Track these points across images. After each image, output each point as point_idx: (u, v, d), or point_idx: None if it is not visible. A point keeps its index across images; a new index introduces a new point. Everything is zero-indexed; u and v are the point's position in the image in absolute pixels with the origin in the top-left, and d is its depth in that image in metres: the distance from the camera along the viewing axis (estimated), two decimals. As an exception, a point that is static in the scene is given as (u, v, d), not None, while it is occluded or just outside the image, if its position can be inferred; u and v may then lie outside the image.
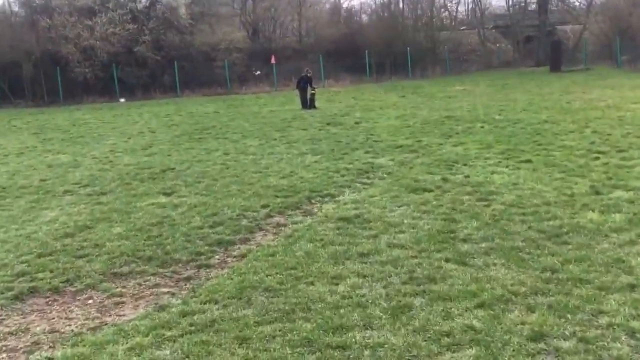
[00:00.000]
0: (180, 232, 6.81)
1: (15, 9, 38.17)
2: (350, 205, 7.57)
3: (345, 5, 50.72)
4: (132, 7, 36.11)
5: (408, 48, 38.70)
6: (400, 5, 45.90)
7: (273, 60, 35.51)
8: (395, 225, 6.55)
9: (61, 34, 34.51)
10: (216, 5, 42.90)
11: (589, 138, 11.89)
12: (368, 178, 9.40)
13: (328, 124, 17.23)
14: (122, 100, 33.71)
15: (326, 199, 8.13)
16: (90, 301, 5.16)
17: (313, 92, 22.59)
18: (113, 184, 9.66)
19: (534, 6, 47.66)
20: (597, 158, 9.83)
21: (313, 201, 8.06)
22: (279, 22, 43.58)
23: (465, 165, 10.07)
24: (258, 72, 38.64)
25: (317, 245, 6.09)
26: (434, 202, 7.44)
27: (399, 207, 7.35)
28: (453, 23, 48.53)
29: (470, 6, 52.13)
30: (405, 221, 6.70)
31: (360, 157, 11.31)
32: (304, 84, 22.72)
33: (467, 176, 9.06)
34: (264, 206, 7.75)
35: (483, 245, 5.85)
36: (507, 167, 9.71)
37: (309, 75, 23.00)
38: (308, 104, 22.33)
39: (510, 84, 28.96)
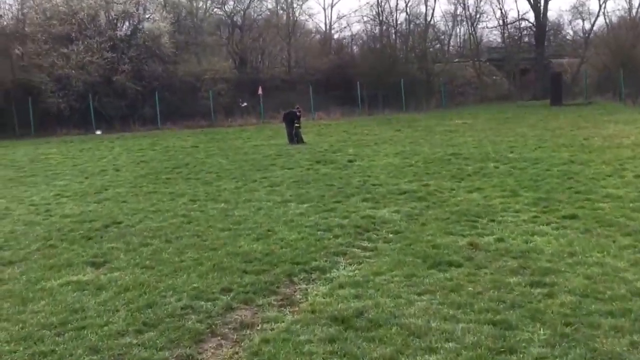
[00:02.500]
0: (85, 345, 4.44)
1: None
2: (348, 291, 5.28)
3: (336, 36, 49.03)
4: (111, 35, 34.10)
5: (402, 80, 36.96)
6: (392, 36, 44.44)
7: (260, 92, 33.53)
8: (420, 335, 4.28)
9: (34, 62, 32.39)
10: (202, 34, 41.12)
11: (634, 184, 9.75)
12: (369, 240, 7.14)
13: (317, 162, 15.05)
14: (99, 132, 31.46)
15: (314, 276, 5.85)
16: None
17: (297, 125, 20.52)
18: (33, 247, 7.31)
19: (526, 39, 46.45)
20: (662, 213, 7.66)
21: (295, 280, 5.78)
22: (267, 52, 41.81)
23: (492, 221, 7.86)
24: (244, 104, 36.60)
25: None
26: (469, 288, 5.18)
27: (420, 295, 5.08)
28: (446, 55, 47.06)
29: (463, 38, 50.87)
30: (434, 325, 4.43)
31: (358, 208, 9.08)
32: (290, 119, 20.66)
33: (501, 239, 6.83)
34: (225, 290, 5.45)
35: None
36: (547, 224, 7.52)
37: (298, 114, 20.93)
38: (295, 139, 20.21)
39: (512, 118, 27.09)
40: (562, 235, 6.91)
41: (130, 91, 33.29)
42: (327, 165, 14.39)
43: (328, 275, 5.86)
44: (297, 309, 5.03)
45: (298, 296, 5.34)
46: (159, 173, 14.33)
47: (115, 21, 35.56)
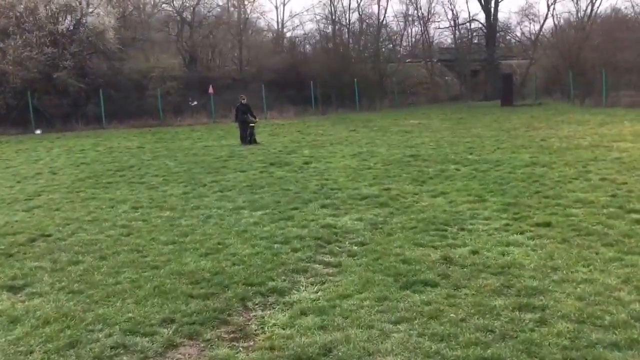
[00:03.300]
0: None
1: None
2: (311, 320, 4.54)
3: (288, 34, 48.21)
4: (52, 29, 32.25)
5: (355, 80, 36.52)
6: (345, 36, 44.01)
7: (211, 90, 32.41)
8: (400, 379, 3.60)
9: (-33, 57, 30.29)
10: (149, 30, 39.57)
11: (603, 188, 9.39)
12: (332, 254, 6.41)
13: (272, 164, 14.27)
14: (38, 132, 29.69)
15: (271, 300, 5.07)
16: None
17: (252, 124, 19.58)
18: (-59, 268, 6.27)
19: (476, 40, 46.85)
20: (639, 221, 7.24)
21: (250, 305, 4.98)
22: (218, 50, 40.60)
23: (462, 230, 7.28)
24: (194, 103, 35.38)
25: None
26: (451, 314, 4.51)
27: (395, 324, 4.38)
28: (399, 55, 46.97)
29: (415, 38, 50.92)
30: (415, 365, 3.75)
31: (317, 215, 8.35)
32: (242, 114, 19.69)
33: (475, 251, 6.24)
34: (166, 321, 4.60)
35: None
36: (521, 233, 6.99)
37: (243, 102, 19.97)
38: (248, 138, 19.35)
39: (465, 119, 27.01)
40: (540, 246, 6.37)
41: (73, 89, 31.56)
42: (282, 167, 13.63)
43: (287, 298, 5.09)
44: (252, 343, 4.26)
45: (253, 326, 4.56)
46: (99, 176, 13.25)
47: (56, 15, 33.71)
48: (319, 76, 36.31)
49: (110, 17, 34.69)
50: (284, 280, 5.54)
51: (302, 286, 5.39)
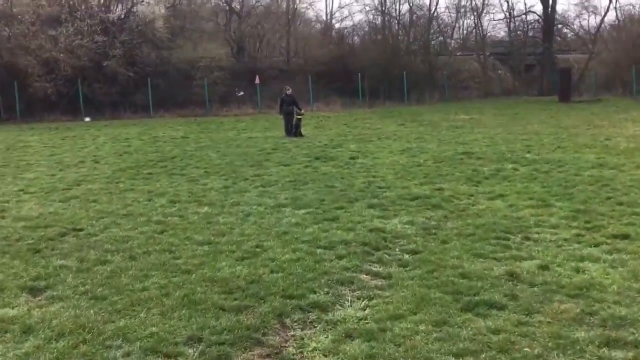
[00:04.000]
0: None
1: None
2: (357, 347, 3.89)
3: (336, 26, 47.44)
4: (103, 18, 32.51)
5: (404, 72, 35.55)
6: (395, 28, 42.94)
7: (257, 81, 32.08)
8: None
9: (21, 44, 30.77)
10: (198, 20, 39.49)
11: (684, 195, 8.41)
12: (381, 263, 5.76)
13: (316, 158, 13.68)
14: (87, 119, 30.01)
15: (312, 317, 4.47)
16: None
17: (299, 116, 19.01)
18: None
19: (530, 33, 44.97)
20: None
21: (287, 322, 4.39)
22: (265, 40, 40.23)
23: (527, 239, 6.51)
24: (241, 93, 35.13)
25: None
26: (525, 348, 3.79)
27: (458, 358, 3.72)
28: (450, 48, 45.58)
29: (466, 31, 49.32)
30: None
31: (364, 217, 7.71)
32: (287, 106, 19.10)
33: (545, 267, 5.48)
34: (192, 339, 4.05)
35: None
36: (596, 245, 6.18)
37: (288, 93, 19.33)
38: (293, 130, 18.80)
39: (520, 114, 25.78)
40: (620, 263, 5.57)
41: (122, 77, 31.78)
42: (327, 162, 13.02)
43: (331, 315, 4.48)
44: (289, 371, 3.68)
45: (290, 349, 3.96)
46: (141, 167, 12.94)
47: (107, 3, 33.99)
48: (367, 68, 35.53)
49: (160, 6, 34.77)
50: (327, 292, 4.93)
51: (347, 301, 4.77)
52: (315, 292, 4.92)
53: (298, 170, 11.92)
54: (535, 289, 4.89)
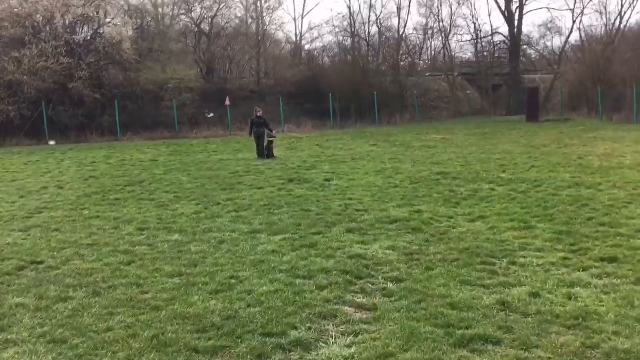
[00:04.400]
0: None
1: None
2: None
3: (307, 47, 47.53)
4: (68, 39, 31.82)
5: (375, 93, 35.65)
6: (365, 49, 43.18)
7: (227, 102, 31.71)
8: None
9: (-18, 66, 29.88)
10: (167, 41, 39.06)
11: (665, 215, 8.32)
12: (364, 293, 5.44)
13: (290, 180, 13.36)
14: (52, 143, 29.15)
15: (294, 358, 4.11)
16: None
17: (271, 139, 18.65)
18: None
19: (497, 54, 45.71)
20: None
21: (267, 363, 4.04)
22: (235, 62, 40.00)
23: (513, 264, 6.28)
24: (211, 115, 34.73)
25: None
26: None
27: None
28: (419, 69, 46.04)
29: (435, 51, 49.89)
30: None
31: (343, 242, 7.40)
32: (257, 127, 18.62)
33: (536, 294, 5.23)
34: (162, 387, 3.68)
35: None
36: (584, 269, 5.97)
37: (258, 114, 18.71)
38: (265, 152, 18.44)
39: (490, 134, 25.98)
40: (612, 288, 5.36)
41: (88, 99, 31.05)
42: (301, 185, 12.70)
43: (314, 354, 4.12)
44: None
45: (272, 396, 3.61)
46: (107, 192, 12.42)
47: (73, 25, 33.34)
48: (338, 89, 35.56)
49: (128, 27, 34.29)
50: (309, 328, 4.58)
51: (332, 337, 4.43)
52: (296, 328, 4.56)
53: (272, 194, 11.57)
54: (530, 319, 4.63)
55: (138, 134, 30.66)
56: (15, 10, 31.24)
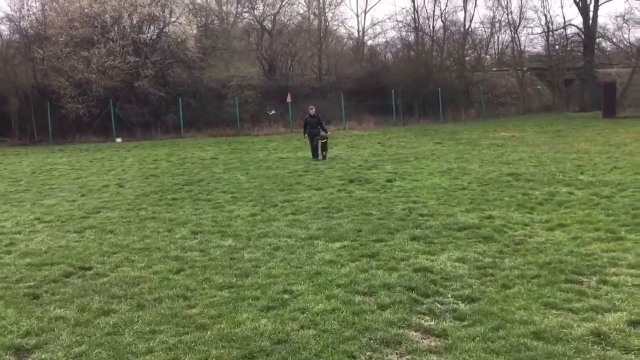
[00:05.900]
0: None
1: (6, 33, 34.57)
2: None
3: (369, 43, 46.73)
4: (135, 38, 32.43)
5: (439, 89, 34.53)
6: (428, 44, 41.98)
7: (289, 99, 31.47)
8: None
9: (54, 65, 30.88)
10: (230, 39, 39.28)
11: None
12: (432, 315, 4.83)
13: (351, 181, 12.81)
14: (119, 140, 29.81)
15: (352, 396, 3.58)
16: None
17: (323, 140, 17.22)
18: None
19: (569, 47, 43.39)
20: None
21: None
22: (297, 58, 39.75)
23: (603, 282, 5.49)
24: (272, 112, 34.64)
25: None
26: None
27: None
28: (485, 63, 44.36)
29: (502, 45, 47.96)
30: None
31: (407, 252, 6.78)
32: (311, 127, 17.46)
33: (636, 323, 4.47)
34: None
35: None
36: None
37: (311, 113, 17.58)
38: (321, 153, 17.17)
39: (564, 131, 24.48)
40: None
41: (154, 97, 31.59)
42: (362, 185, 12.12)
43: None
44: None
45: None
46: (165, 191, 12.26)
47: (140, 24, 33.99)
48: (401, 85, 34.66)
49: (192, 25, 34.65)
50: (370, 358, 4.01)
51: (396, 373, 3.85)
52: (354, 358, 4.00)
53: (331, 195, 11.05)
54: (633, 356, 3.89)
55: (201, 131, 30.93)
56: (86, 10, 32.09)
